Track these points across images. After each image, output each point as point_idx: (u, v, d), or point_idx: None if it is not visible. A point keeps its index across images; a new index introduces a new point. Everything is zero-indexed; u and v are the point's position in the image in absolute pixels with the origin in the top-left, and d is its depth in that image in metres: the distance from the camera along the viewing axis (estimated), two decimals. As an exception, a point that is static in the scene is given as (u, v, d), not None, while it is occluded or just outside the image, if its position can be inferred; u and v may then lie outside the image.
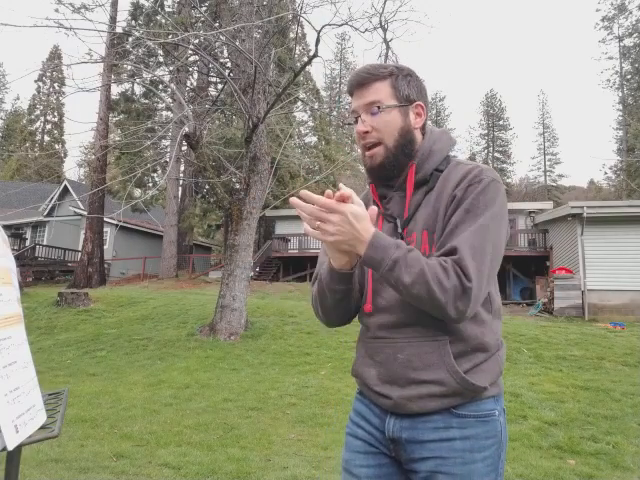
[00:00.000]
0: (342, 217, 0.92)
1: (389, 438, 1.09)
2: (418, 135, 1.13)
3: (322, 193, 0.98)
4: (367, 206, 1.21)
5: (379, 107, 1.08)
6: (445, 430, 1.03)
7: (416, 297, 0.95)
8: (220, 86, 17.01)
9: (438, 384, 1.01)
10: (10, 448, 0.78)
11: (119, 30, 13.12)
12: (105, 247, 19.42)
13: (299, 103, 15.55)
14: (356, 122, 1.11)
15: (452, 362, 1.01)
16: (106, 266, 19.55)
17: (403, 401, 1.04)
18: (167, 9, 18.66)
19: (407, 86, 1.10)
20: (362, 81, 1.10)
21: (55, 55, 41.82)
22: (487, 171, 1.05)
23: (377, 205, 1.15)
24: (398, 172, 1.11)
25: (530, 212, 19.39)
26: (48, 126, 44.68)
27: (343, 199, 0.94)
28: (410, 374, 1.04)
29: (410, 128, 1.10)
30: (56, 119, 44.55)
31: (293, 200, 0.94)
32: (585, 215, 12.31)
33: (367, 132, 1.09)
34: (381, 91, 1.08)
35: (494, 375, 1.06)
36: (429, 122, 1.19)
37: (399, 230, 1.09)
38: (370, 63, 1.15)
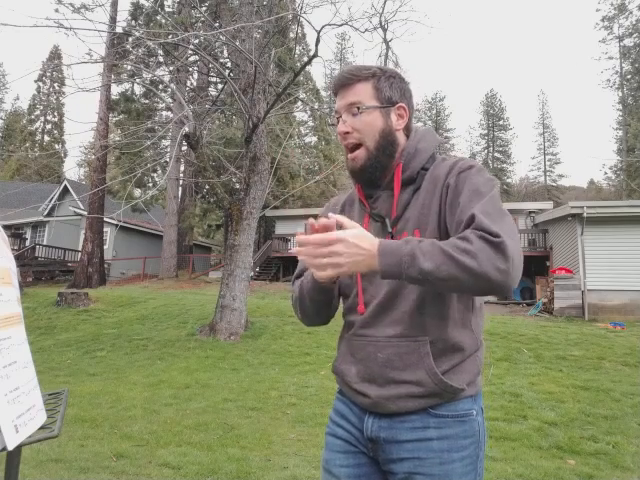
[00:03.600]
0: (345, 243, 0.89)
1: (368, 437, 1.09)
2: (401, 136, 1.13)
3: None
4: (352, 205, 1.22)
5: (359, 108, 1.08)
6: (423, 430, 1.03)
7: (451, 279, 0.87)
8: (220, 86, 17.01)
9: (416, 384, 1.02)
10: (10, 448, 0.78)
11: (119, 30, 13.12)
12: (105, 247, 19.41)
13: (299, 103, 15.55)
14: (338, 122, 1.12)
15: (431, 363, 1.01)
16: (106, 266, 19.54)
17: (381, 400, 1.05)
18: (167, 9, 18.64)
19: (389, 88, 1.10)
20: (345, 82, 1.11)
21: (55, 55, 41.80)
22: (474, 161, 1.08)
23: (363, 204, 1.16)
24: (380, 174, 1.11)
25: (530, 212, 19.37)
26: (48, 126, 44.68)
27: (327, 228, 0.93)
28: (389, 373, 1.04)
29: (391, 129, 1.10)
30: (56, 119, 44.55)
31: (297, 250, 0.93)
32: (585, 215, 12.30)
33: (348, 132, 1.10)
34: (363, 92, 1.09)
35: (472, 375, 1.06)
36: (416, 122, 1.19)
37: (388, 229, 1.09)
38: (355, 64, 1.16)
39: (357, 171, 1.12)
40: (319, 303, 1.13)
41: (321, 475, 1.17)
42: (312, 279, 1.07)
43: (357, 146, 1.10)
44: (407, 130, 1.14)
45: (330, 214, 0.96)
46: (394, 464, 1.05)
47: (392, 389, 1.03)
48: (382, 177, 1.12)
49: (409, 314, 1.03)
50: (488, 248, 0.86)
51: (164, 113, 21.50)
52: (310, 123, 26.99)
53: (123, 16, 17.86)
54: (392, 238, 1.07)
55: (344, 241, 0.89)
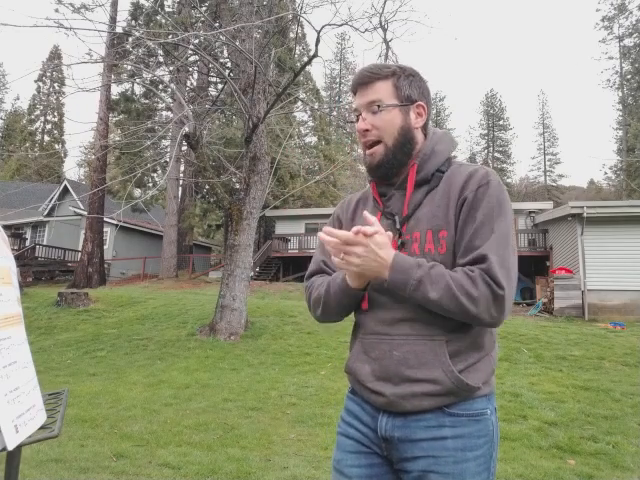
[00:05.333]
0: (365, 248, 0.97)
1: (381, 437, 1.08)
2: (419, 135, 1.14)
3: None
4: (366, 203, 1.23)
5: (379, 106, 1.09)
6: (437, 429, 1.03)
7: (447, 311, 0.98)
8: (220, 86, 17.01)
9: (432, 383, 1.02)
10: (10, 448, 0.78)
11: (119, 30, 13.12)
12: (105, 247, 19.42)
13: (299, 103, 15.56)
14: (357, 120, 1.13)
15: (448, 361, 1.01)
16: (106, 266, 19.54)
17: (397, 399, 1.04)
18: (167, 9, 18.65)
19: (409, 86, 1.12)
20: (365, 80, 1.12)
21: (55, 55, 41.81)
22: (492, 173, 1.08)
23: (377, 202, 1.17)
24: (397, 170, 1.13)
25: (530, 212, 19.36)
26: (48, 126, 44.67)
27: (366, 235, 0.96)
28: (405, 372, 1.04)
29: (410, 127, 1.12)
30: (56, 119, 44.54)
31: (320, 235, 1.00)
32: (585, 215, 12.30)
33: (367, 130, 1.11)
34: (383, 90, 1.10)
35: (487, 374, 1.06)
36: (430, 123, 1.20)
37: (397, 226, 1.09)
38: (374, 63, 1.17)
39: (374, 167, 1.13)
40: (345, 306, 1.14)
41: (332, 475, 1.16)
42: (342, 283, 1.09)
43: (376, 142, 1.12)
44: (425, 129, 1.16)
45: (365, 212, 1.01)
46: (408, 462, 1.05)
47: (407, 387, 1.03)
48: (397, 174, 1.14)
49: (425, 312, 1.03)
50: (490, 297, 0.95)
51: (164, 113, 21.51)
52: (310, 123, 26.99)
53: (123, 16, 17.90)
54: (401, 236, 1.08)
55: (365, 245, 0.96)
